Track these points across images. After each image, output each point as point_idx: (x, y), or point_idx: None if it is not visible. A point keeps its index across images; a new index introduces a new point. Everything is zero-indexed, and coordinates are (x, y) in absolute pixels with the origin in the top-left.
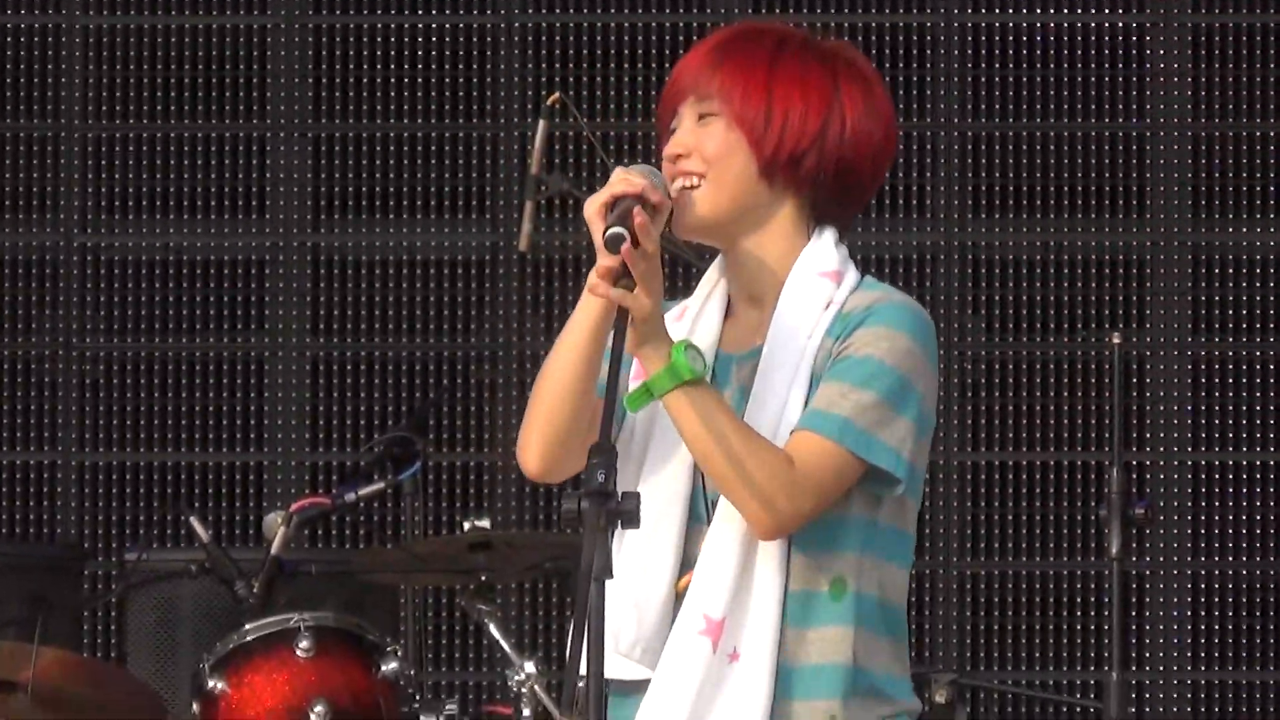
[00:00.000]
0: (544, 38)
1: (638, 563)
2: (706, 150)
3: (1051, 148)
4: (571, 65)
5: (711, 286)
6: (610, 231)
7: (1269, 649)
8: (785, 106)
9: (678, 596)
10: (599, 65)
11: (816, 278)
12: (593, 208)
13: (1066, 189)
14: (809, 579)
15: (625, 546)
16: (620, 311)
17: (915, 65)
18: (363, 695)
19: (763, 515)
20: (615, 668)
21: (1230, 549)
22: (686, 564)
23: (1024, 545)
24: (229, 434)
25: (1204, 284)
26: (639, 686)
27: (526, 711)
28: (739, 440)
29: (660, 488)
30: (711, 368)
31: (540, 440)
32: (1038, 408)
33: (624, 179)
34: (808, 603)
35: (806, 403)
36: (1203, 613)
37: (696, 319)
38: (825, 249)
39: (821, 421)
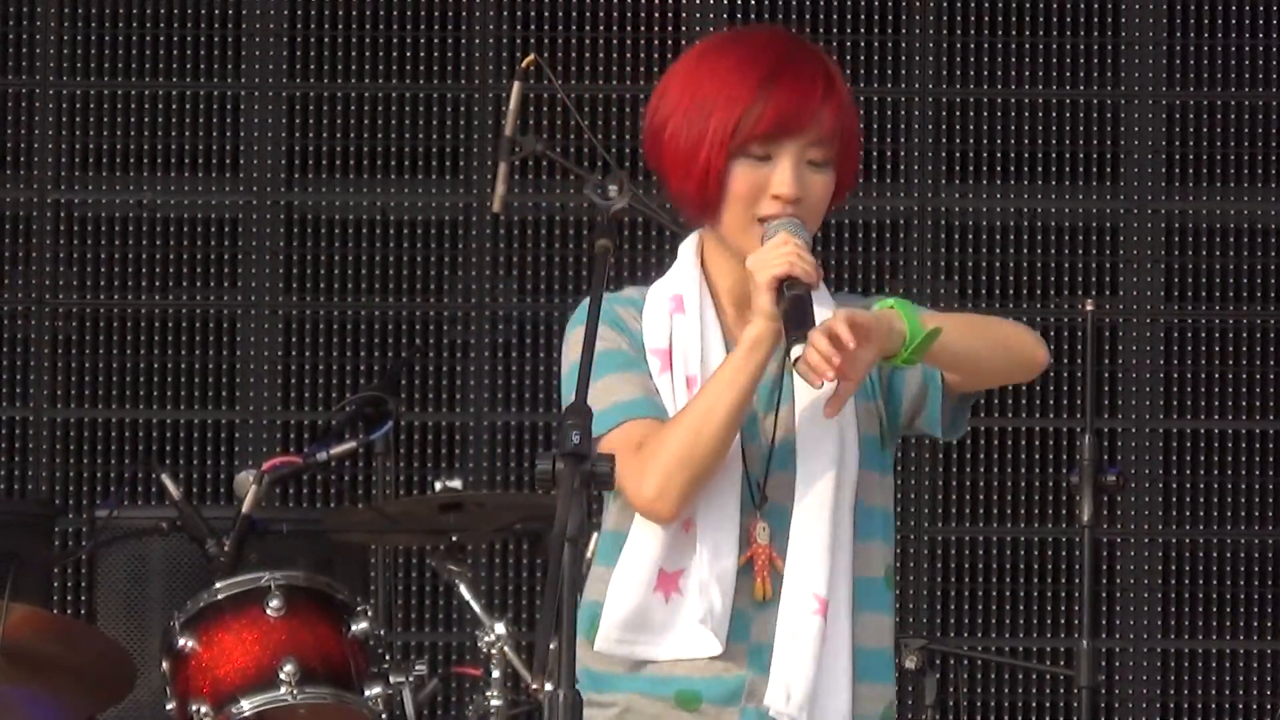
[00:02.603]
0: None
1: (706, 545)
2: (813, 199)
3: (1025, 115)
4: (546, 27)
5: (697, 285)
6: (795, 349)
7: (1239, 617)
8: (859, 154)
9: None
10: (574, 28)
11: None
12: (764, 275)
13: (1040, 156)
14: (868, 566)
15: (684, 531)
16: (602, 262)
17: (890, 31)
18: (332, 655)
19: (1040, 352)
20: (684, 646)
21: (1202, 517)
22: (742, 545)
23: (995, 512)
24: (201, 392)
25: (1176, 252)
26: (726, 667)
27: (496, 673)
28: (986, 327)
29: (719, 474)
30: (723, 358)
31: (688, 492)
32: None
33: (800, 257)
34: (868, 589)
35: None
36: (1174, 580)
37: (700, 316)
38: None
39: None
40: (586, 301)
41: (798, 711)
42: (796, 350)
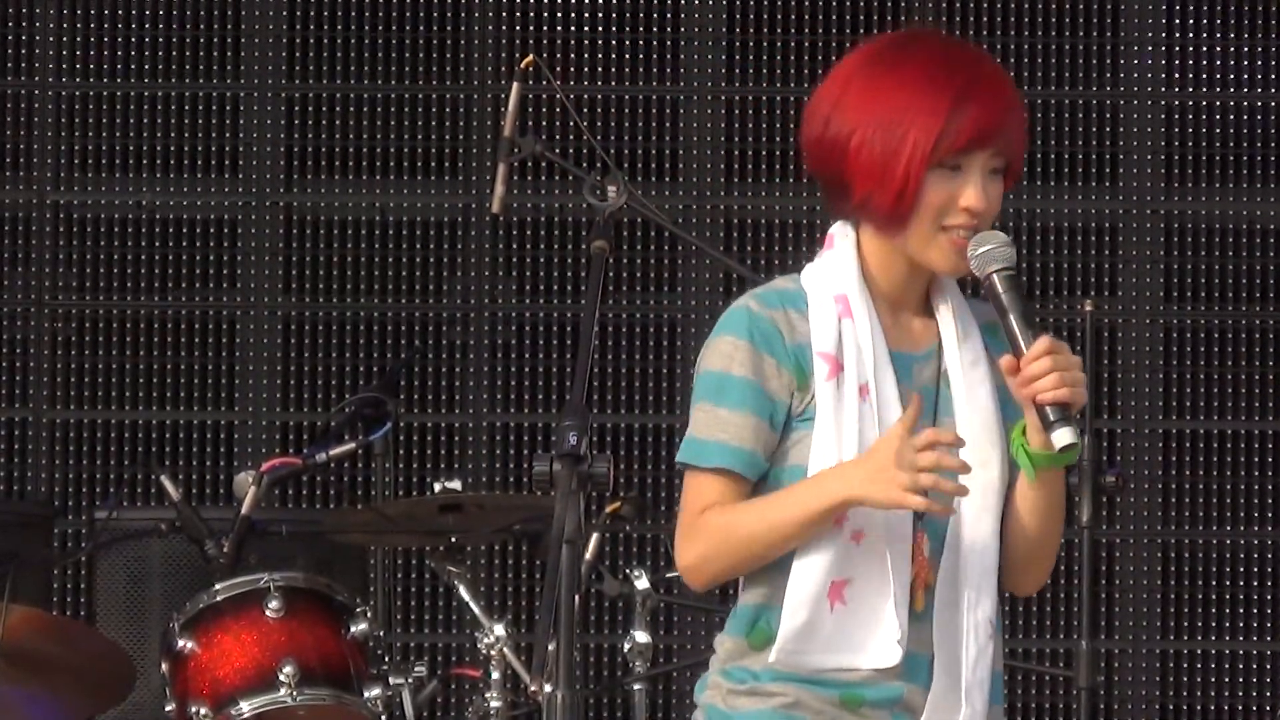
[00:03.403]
0: (518, 0)
1: (882, 558)
2: (994, 208)
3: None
4: (545, 28)
5: (860, 286)
6: (1068, 445)
7: (1239, 617)
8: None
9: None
10: (573, 29)
11: (953, 283)
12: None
13: (1039, 156)
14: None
15: (854, 543)
16: (599, 263)
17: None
18: (332, 656)
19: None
20: (862, 657)
21: (1201, 517)
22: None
23: None
24: (200, 393)
25: (1175, 252)
26: (886, 674)
27: (495, 674)
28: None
29: None
30: (891, 367)
31: (717, 581)
32: None
33: (1077, 380)
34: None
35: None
36: (1173, 581)
37: (869, 322)
38: None
39: None
40: (737, 306)
41: None
42: (1068, 436)
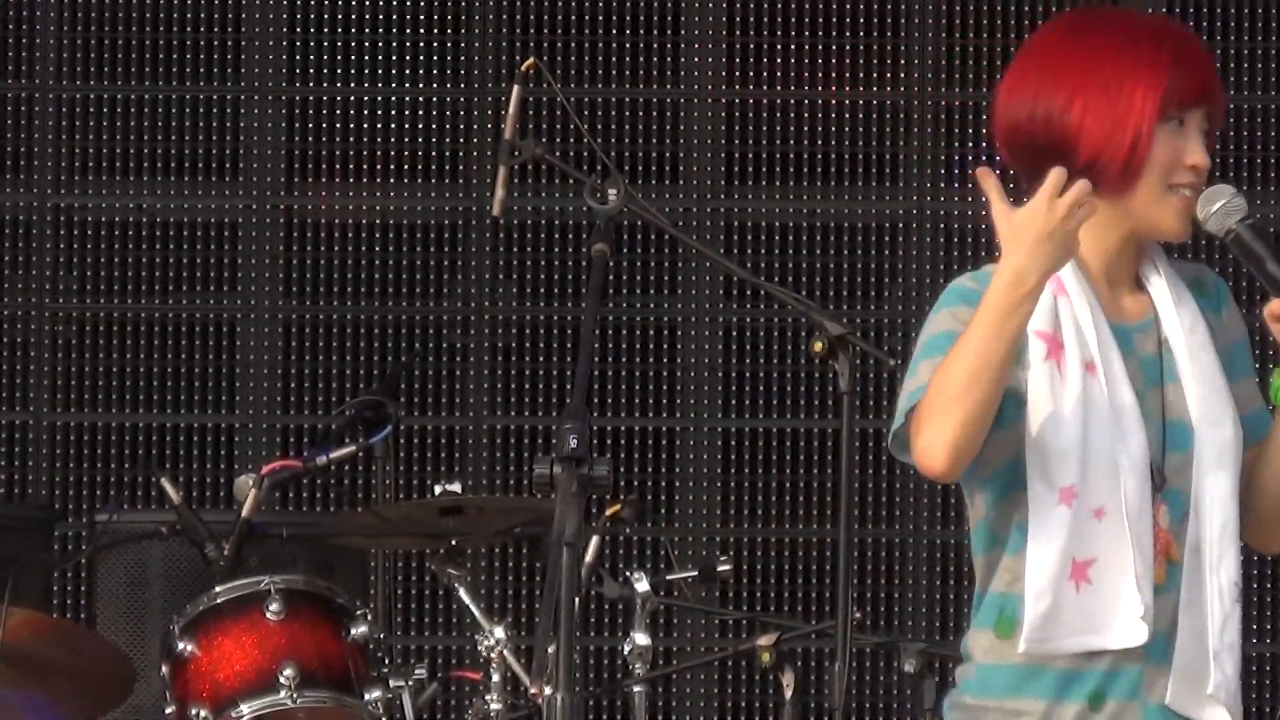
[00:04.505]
0: (518, 2)
1: (1126, 533)
2: (1207, 167)
3: None
4: (546, 30)
5: (1067, 267)
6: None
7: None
8: None
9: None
10: (573, 31)
11: (1160, 250)
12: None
13: None
14: None
15: (1096, 519)
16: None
17: (888, 34)
18: (332, 658)
19: None
20: (1109, 637)
21: None
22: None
23: None
24: (200, 396)
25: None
26: (1127, 657)
27: (495, 677)
28: None
29: (1130, 462)
30: (1114, 342)
31: (965, 441)
32: None
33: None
34: None
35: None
36: None
37: (1086, 299)
38: None
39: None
40: (955, 283)
41: (1235, 703)
42: None
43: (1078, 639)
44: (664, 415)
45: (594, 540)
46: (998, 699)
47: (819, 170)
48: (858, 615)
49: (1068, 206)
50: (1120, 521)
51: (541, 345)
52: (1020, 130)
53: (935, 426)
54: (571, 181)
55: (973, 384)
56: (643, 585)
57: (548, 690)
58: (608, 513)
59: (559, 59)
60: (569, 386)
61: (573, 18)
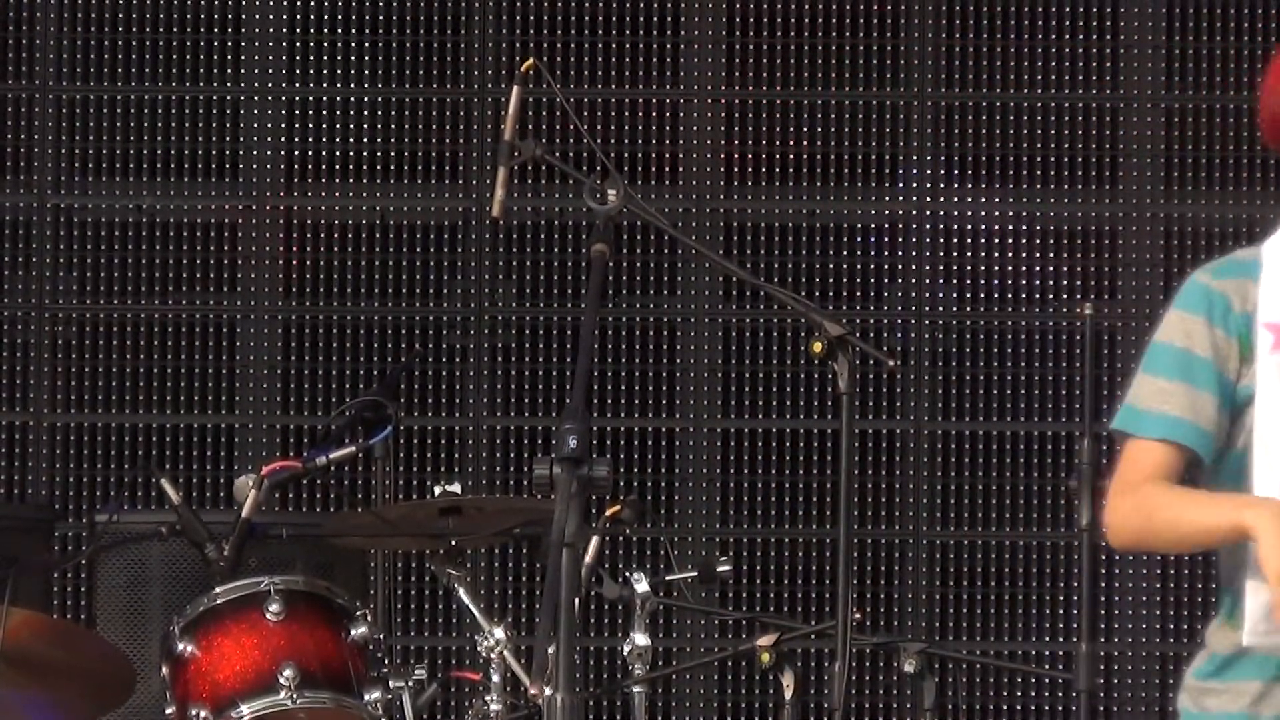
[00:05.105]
0: (518, 3)
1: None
2: None
3: (1024, 118)
4: (545, 31)
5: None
6: None
7: None
8: None
9: None
10: (573, 32)
11: None
12: None
13: (1039, 159)
14: None
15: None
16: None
17: (889, 35)
18: (332, 659)
19: None
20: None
21: None
22: None
23: (994, 515)
24: (200, 396)
25: (1175, 255)
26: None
27: (495, 677)
28: None
29: None
30: None
31: (1143, 549)
32: (1009, 378)
33: None
34: None
35: None
36: (1172, 584)
37: None
38: None
39: None
40: (1193, 279)
41: None
42: None
43: None
44: (663, 415)
45: (594, 541)
46: (1224, 682)
47: (818, 170)
48: (857, 615)
49: None
50: None
51: (541, 346)
52: None
53: (1124, 526)
54: (571, 182)
55: (1169, 539)
56: (642, 586)
57: (548, 691)
58: (607, 513)
59: (559, 59)
60: (569, 387)
61: (572, 18)
